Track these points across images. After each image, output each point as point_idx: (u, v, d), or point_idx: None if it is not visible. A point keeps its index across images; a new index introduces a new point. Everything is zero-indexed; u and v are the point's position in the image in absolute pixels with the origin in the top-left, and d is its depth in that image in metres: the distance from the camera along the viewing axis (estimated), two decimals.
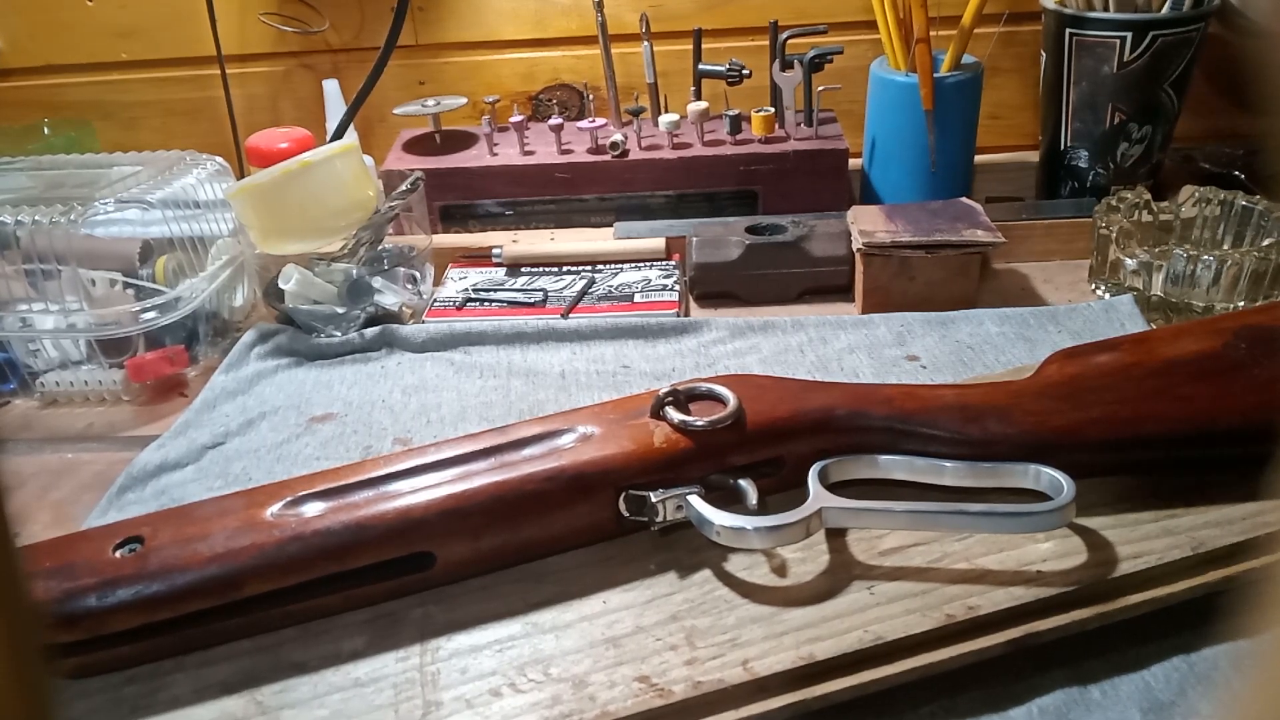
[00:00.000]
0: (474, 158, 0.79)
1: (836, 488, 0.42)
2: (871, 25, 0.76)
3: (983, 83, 0.76)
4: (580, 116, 0.88)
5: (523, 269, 0.74)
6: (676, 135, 0.79)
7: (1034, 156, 0.82)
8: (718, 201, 0.79)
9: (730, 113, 0.78)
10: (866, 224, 0.66)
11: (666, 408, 0.43)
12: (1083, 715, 0.36)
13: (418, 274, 0.70)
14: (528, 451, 0.42)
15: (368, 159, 0.73)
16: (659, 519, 0.41)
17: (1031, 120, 0.88)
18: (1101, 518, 0.42)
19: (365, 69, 0.75)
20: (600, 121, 0.80)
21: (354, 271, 0.65)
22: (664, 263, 0.74)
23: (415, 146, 0.82)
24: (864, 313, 0.66)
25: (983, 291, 0.67)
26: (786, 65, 0.77)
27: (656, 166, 0.78)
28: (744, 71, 0.79)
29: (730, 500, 0.41)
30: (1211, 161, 0.81)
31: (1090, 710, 0.37)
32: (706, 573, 0.41)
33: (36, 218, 0.61)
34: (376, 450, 0.55)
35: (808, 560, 0.41)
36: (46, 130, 0.87)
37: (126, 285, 0.63)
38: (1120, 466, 0.44)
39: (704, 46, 0.81)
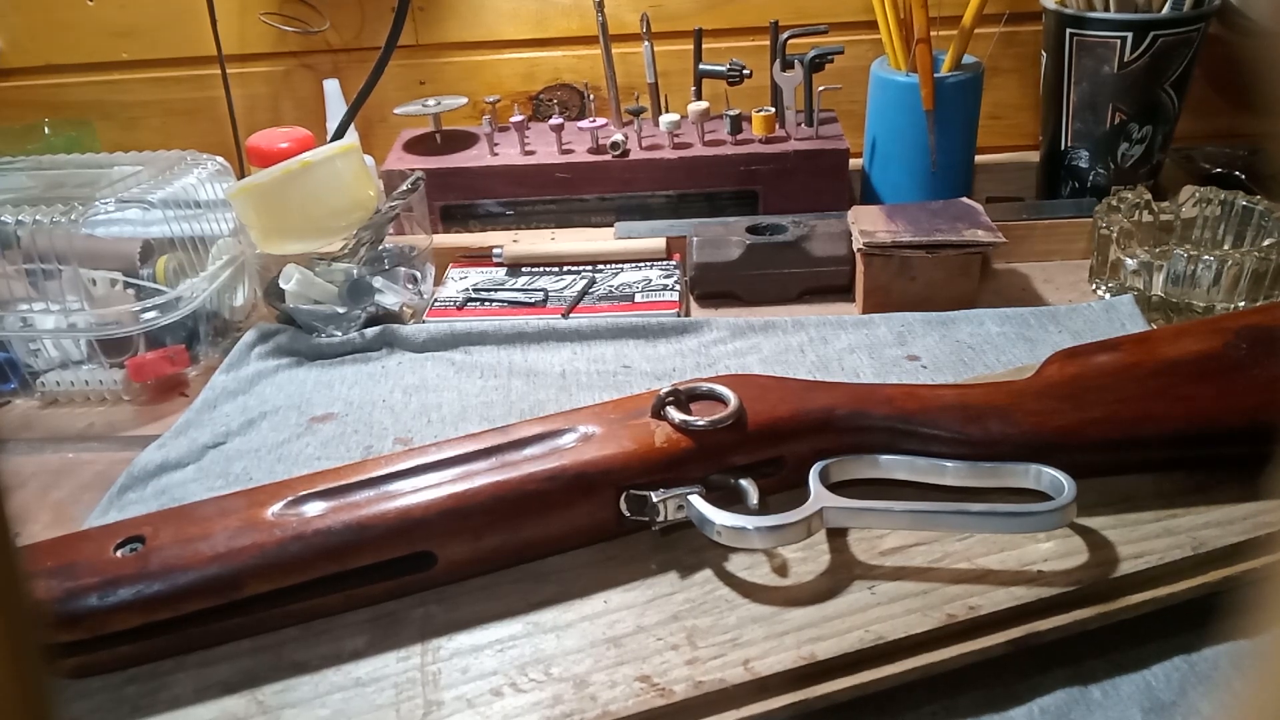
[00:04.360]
0: (474, 158, 0.79)
1: (837, 487, 0.42)
2: (872, 25, 0.76)
3: (983, 83, 0.76)
4: (581, 116, 0.88)
5: (523, 269, 0.74)
6: (677, 135, 0.79)
7: (1034, 156, 0.82)
8: (718, 201, 0.79)
9: (731, 113, 0.78)
10: (867, 224, 0.66)
11: (667, 407, 0.43)
12: (1084, 715, 0.36)
13: (418, 274, 0.70)
14: (528, 451, 0.42)
15: (368, 159, 0.73)
16: (660, 519, 0.41)
17: (1032, 120, 0.88)
18: (1102, 518, 0.42)
19: (366, 69, 0.76)
20: (601, 121, 0.80)
21: (354, 271, 0.65)
22: (664, 263, 0.74)
23: (416, 146, 0.82)
24: (864, 313, 0.66)
25: (983, 291, 0.67)
26: (787, 65, 0.77)
27: (657, 166, 0.78)
28: (744, 71, 0.79)
29: (731, 500, 0.41)
30: (1211, 161, 0.81)
31: (1091, 710, 0.37)
32: (707, 572, 0.41)
33: (37, 218, 0.61)
34: (377, 450, 0.55)
35: (809, 560, 0.41)
36: (47, 130, 0.87)
37: (127, 285, 0.63)
38: (1121, 466, 0.44)
39: (704, 46, 0.81)
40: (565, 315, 0.67)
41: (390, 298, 0.67)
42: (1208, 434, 0.43)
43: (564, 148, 0.79)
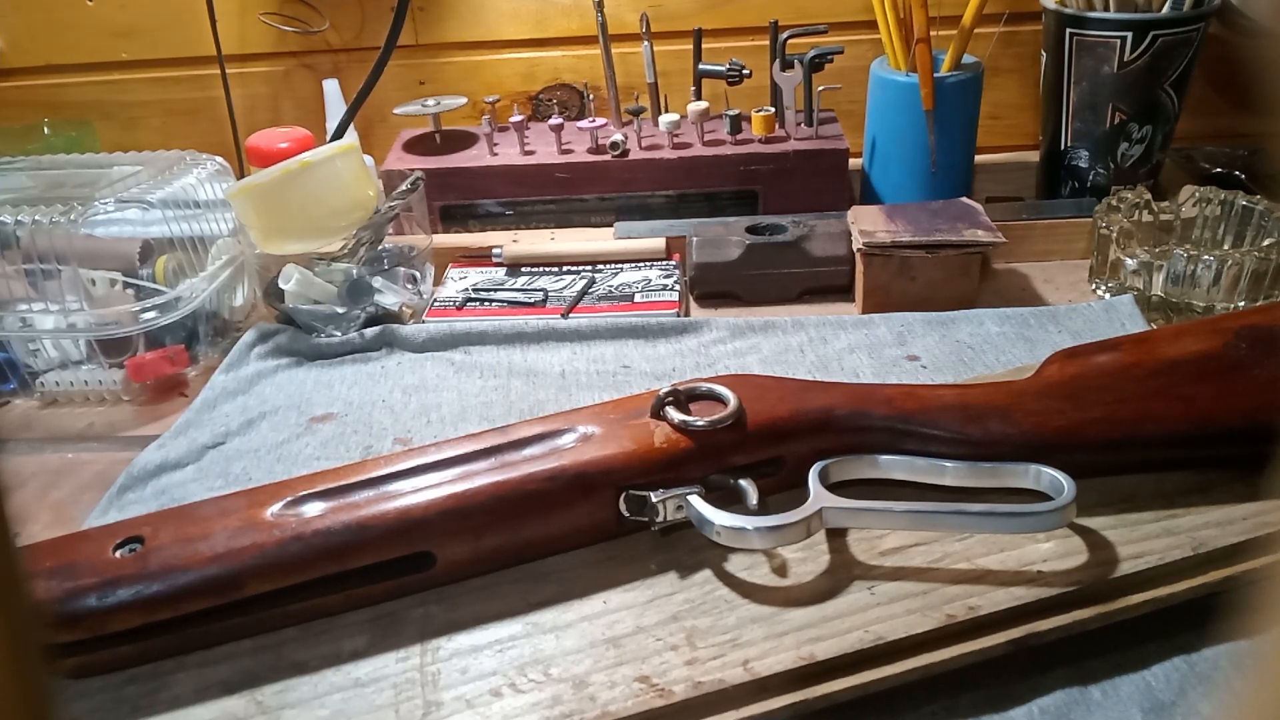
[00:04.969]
0: (474, 158, 0.79)
1: (837, 488, 0.42)
2: (872, 25, 0.76)
3: (983, 83, 0.76)
4: (580, 116, 0.88)
5: (523, 269, 0.74)
6: (677, 135, 0.79)
7: (1034, 156, 0.82)
8: (718, 201, 0.79)
9: (730, 113, 0.78)
10: (867, 224, 0.66)
11: (667, 408, 0.43)
12: (1084, 715, 0.36)
13: (418, 274, 0.70)
14: (528, 451, 0.42)
15: (368, 159, 0.73)
16: (659, 519, 0.41)
17: (1031, 120, 0.88)
18: (1102, 518, 0.42)
19: (365, 69, 0.75)
20: (600, 121, 0.80)
21: (354, 271, 0.65)
22: (664, 263, 0.74)
23: (415, 146, 0.82)
24: (864, 313, 0.66)
25: (983, 291, 0.67)
26: (787, 65, 0.77)
27: (657, 166, 0.78)
28: (744, 71, 0.79)
29: (731, 500, 0.41)
30: (1211, 161, 0.81)
31: (1091, 710, 0.37)
32: (707, 573, 0.41)
33: (36, 218, 0.61)
34: (377, 450, 0.55)
35: (808, 560, 0.41)
36: (46, 130, 0.87)
37: (126, 285, 0.63)
38: (1121, 466, 0.44)
39: (704, 46, 0.81)
40: (565, 315, 0.67)
41: (390, 298, 0.67)
42: (1208, 434, 0.43)
43: (564, 148, 0.79)
